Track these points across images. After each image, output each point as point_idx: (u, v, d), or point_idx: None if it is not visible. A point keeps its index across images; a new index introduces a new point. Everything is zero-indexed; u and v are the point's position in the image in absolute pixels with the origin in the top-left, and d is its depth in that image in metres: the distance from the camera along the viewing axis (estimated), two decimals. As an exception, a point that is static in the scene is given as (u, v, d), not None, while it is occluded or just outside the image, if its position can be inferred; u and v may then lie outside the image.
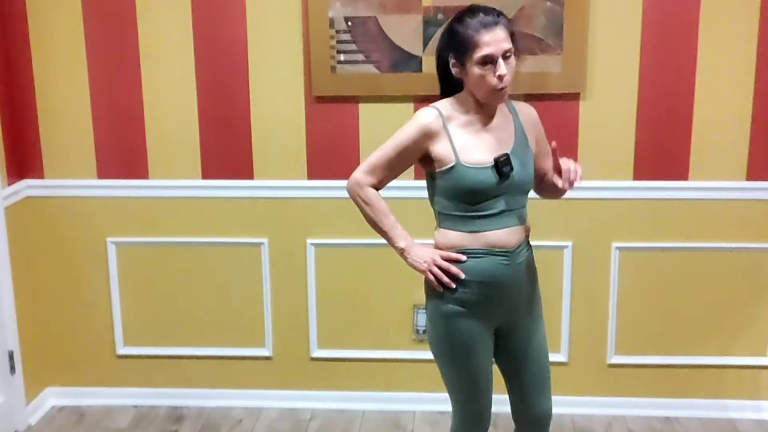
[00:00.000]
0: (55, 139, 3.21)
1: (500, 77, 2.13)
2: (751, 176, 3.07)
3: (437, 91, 3.04)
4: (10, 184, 3.15)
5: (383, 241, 3.21)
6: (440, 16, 2.97)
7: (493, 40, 2.12)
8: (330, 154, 3.15)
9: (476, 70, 2.14)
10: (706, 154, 3.06)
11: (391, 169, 2.30)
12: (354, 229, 3.20)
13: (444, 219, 2.29)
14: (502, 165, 2.18)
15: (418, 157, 2.27)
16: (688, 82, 3.01)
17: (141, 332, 3.37)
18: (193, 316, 3.34)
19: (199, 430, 3.26)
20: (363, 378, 3.35)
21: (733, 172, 3.07)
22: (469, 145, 2.21)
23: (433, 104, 2.29)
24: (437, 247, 2.30)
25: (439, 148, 2.22)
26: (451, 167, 2.20)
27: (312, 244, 3.24)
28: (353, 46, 3.02)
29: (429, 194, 2.34)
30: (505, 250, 2.23)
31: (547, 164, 2.35)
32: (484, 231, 2.22)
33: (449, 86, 2.30)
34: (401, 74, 3.03)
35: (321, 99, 3.10)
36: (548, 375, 2.38)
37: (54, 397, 3.45)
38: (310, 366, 3.36)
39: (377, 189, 2.32)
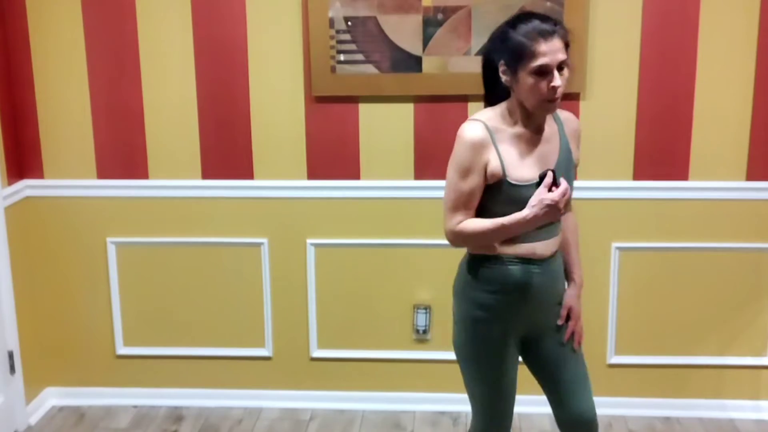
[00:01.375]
0: (55, 139, 3.21)
1: (554, 89, 2.06)
2: (751, 176, 3.07)
3: (436, 91, 3.06)
4: (10, 184, 3.15)
5: (383, 241, 3.23)
6: (440, 16, 2.97)
7: (550, 50, 2.04)
8: (330, 154, 3.15)
9: (529, 80, 2.06)
10: (706, 154, 3.06)
11: (469, 198, 2.17)
12: (354, 229, 3.21)
13: None
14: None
15: (484, 173, 2.14)
16: (688, 82, 3.01)
17: (141, 332, 3.37)
18: (193, 316, 3.34)
19: (199, 430, 3.26)
20: (363, 378, 3.35)
21: (733, 172, 3.07)
22: (516, 160, 2.15)
23: (475, 116, 2.20)
24: (471, 257, 2.27)
25: (491, 164, 2.14)
26: (498, 182, 2.14)
27: (312, 244, 3.24)
28: (353, 46, 3.02)
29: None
30: (538, 260, 2.21)
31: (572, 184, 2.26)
32: (522, 243, 2.19)
33: (494, 92, 2.21)
34: (401, 74, 3.03)
35: (321, 99, 3.10)
36: (586, 377, 2.35)
37: (54, 397, 3.45)
38: (309, 366, 3.36)
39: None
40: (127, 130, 3.18)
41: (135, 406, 3.41)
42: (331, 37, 3.02)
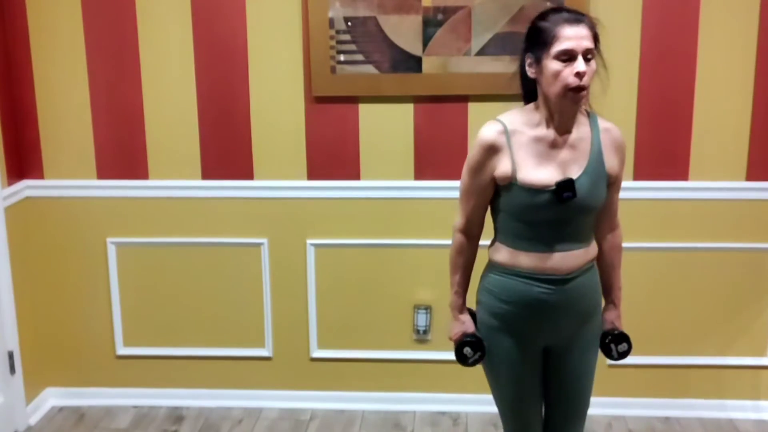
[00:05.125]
0: (55, 139, 3.21)
1: (578, 74, 1.97)
2: (751, 176, 3.07)
3: (436, 91, 3.06)
4: (10, 184, 3.15)
5: (383, 241, 3.23)
6: (440, 16, 2.97)
7: (575, 35, 1.97)
8: (330, 154, 3.15)
9: (552, 66, 1.99)
10: (706, 154, 3.06)
11: (472, 198, 2.16)
12: (354, 229, 3.21)
13: (499, 233, 2.19)
14: (562, 190, 2.03)
15: (492, 175, 2.11)
16: (688, 82, 3.01)
17: (141, 332, 3.37)
18: (193, 316, 3.34)
19: (199, 430, 3.26)
20: (363, 378, 3.35)
21: (733, 172, 3.07)
22: (532, 163, 2.07)
23: (500, 116, 2.13)
24: (489, 260, 2.23)
25: (501, 165, 2.08)
26: (509, 185, 2.08)
27: (312, 244, 3.24)
28: (353, 47, 3.02)
29: (490, 207, 2.23)
30: (553, 276, 2.12)
31: (614, 200, 2.21)
32: (535, 252, 2.11)
33: (529, 95, 2.15)
34: (401, 74, 3.03)
35: (321, 99, 3.10)
36: (585, 406, 2.30)
37: (54, 398, 3.45)
38: (309, 366, 3.36)
39: (471, 228, 2.21)
40: (127, 130, 3.18)
41: (135, 406, 3.41)
42: (331, 38, 3.02)
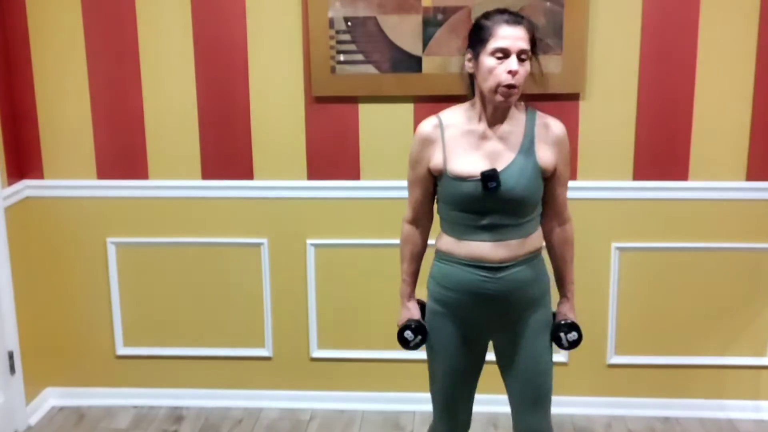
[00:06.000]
0: (55, 139, 3.21)
1: (510, 72, 2.07)
2: (751, 176, 3.07)
3: (436, 91, 3.06)
4: (10, 184, 3.15)
5: (382, 241, 3.23)
6: (440, 16, 2.97)
7: (512, 35, 2.08)
8: (330, 155, 3.15)
9: (487, 62, 2.10)
10: (706, 154, 3.06)
11: (414, 189, 2.30)
12: (354, 229, 3.21)
13: (442, 222, 2.29)
14: (487, 180, 2.12)
15: (428, 167, 2.24)
16: (688, 82, 3.01)
17: (141, 332, 3.38)
18: (193, 316, 3.34)
19: (199, 430, 3.26)
20: (363, 378, 3.35)
21: (733, 172, 3.07)
22: (460, 155, 2.18)
23: (440, 112, 2.26)
24: (435, 249, 2.31)
25: (434, 157, 2.21)
26: (441, 176, 2.21)
27: (312, 244, 3.24)
28: (353, 47, 3.02)
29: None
30: (487, 264, 2.19)
31: (558, 194, 2.26)
32: (470, 241, 2.20)
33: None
34: (401, 74, 3.03)
35: (321, 99, 3.10)
36: (543, 393, 2.31)
37: (54, 397, 3.45)
38: (309, 366, 3.36)
39: (417, 218, 2.34)
40: (127, 130, 3.18)
41: (135, 406, 3.41)
42: (331, 38, 3.02)
